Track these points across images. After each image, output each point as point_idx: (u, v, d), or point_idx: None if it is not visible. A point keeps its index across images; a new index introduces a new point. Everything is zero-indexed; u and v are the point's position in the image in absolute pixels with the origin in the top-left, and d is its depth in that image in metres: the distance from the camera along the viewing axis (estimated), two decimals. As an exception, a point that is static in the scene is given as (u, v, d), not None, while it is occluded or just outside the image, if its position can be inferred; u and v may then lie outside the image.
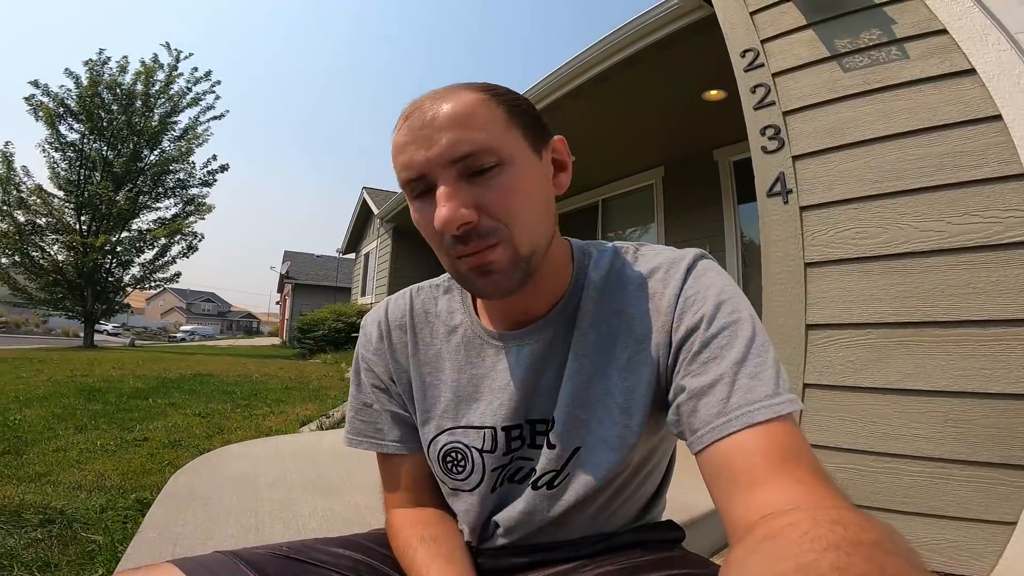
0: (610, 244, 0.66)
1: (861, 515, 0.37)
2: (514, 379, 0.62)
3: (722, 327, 0.53)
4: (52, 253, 12.85)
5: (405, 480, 0.70)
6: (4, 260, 12.53)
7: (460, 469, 0.65)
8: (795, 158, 1.83)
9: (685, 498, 1.32)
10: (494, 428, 0.63)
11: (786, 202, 1.83)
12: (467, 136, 0.51)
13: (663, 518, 0.74)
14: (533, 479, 0.62)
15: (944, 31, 1.62)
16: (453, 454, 0.65)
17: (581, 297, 0.62)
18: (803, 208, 1.79)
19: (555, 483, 0.61)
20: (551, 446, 0.61)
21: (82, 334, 14.22)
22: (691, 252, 0.61)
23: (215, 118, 14.72)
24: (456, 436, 0.65)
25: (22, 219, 12.32)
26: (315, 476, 1.81)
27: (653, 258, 0.62)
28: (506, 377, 0.63)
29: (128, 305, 15.40)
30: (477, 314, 0.67)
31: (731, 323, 0.53)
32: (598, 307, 0.61)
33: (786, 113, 1.87)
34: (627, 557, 0.61)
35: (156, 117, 13.88)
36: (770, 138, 1.89)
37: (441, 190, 0.51)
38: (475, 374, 0.65)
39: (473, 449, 0.64)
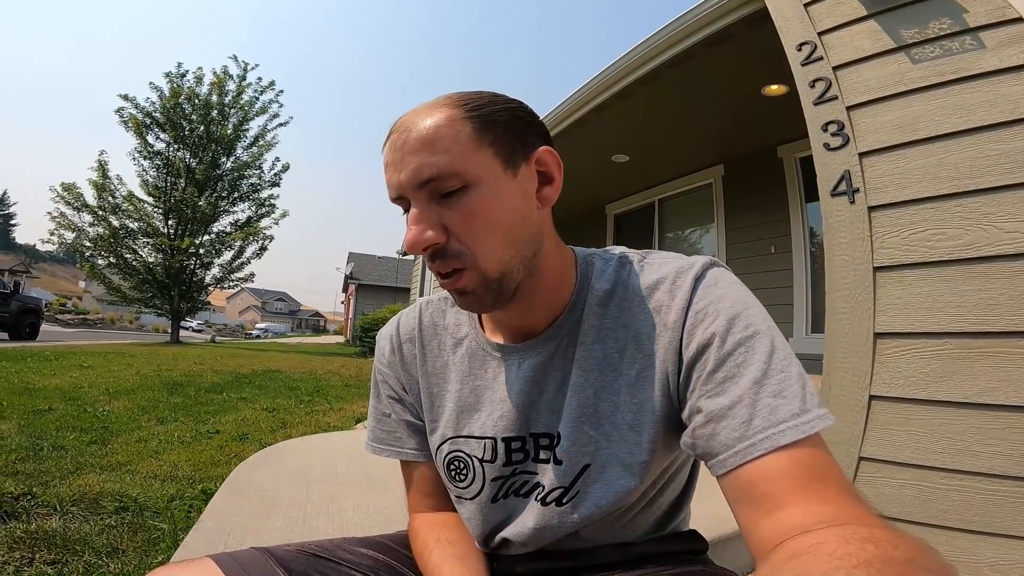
0: (617, 252, 0.65)
1: (893, 532, 0.36)
2: (514, 392, 0.63)
3: (737, 343, 0.50)
4: (143, 255, 14.00)
5: (425, 486, 0.72)
6: (101, 261, 13.75)
7: (463, 477, 0.66)
8: (861, 155, 1.71)
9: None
10: (494, 439, 0.63)
11: (852, 202, 1.71)
12: (431, 160, 0.52)
13: (689, 526, 0.72)
14: (541, 495, 0.61)
15: (1020, 19, 1.48)
16: (456, 462, 0.66)
17: (584, 310, 0.61)
18: (871, 208, 1.67)
19: (564, 500, 0.60)
20: (558, 462, 0.60)
21: (169, 330, 15.36)
22: (700, 260, 0.58)
23: (281, 125, 15.75)
24: (458, 445, 0.66)
25: (116, 223, 13.47)
26: (362, 472, 1.87)
27: (659, 267, 0.60)
28: (506, 389, 0.63)
29: (210, 303, 16.57)
30: (482, 326, 0.68)
31: (747, 338, 0.50)
32: (602, 320, 0.60)
33: (850, 108, 1.75)
34: (649, 571, 0.60)
35: (230, 126, 14.89)
36: (833, 134, 1.77)
37: (411, 212, 0.54)
38: (477, 385, 0.66)
39: (474, 458, 0.65)
